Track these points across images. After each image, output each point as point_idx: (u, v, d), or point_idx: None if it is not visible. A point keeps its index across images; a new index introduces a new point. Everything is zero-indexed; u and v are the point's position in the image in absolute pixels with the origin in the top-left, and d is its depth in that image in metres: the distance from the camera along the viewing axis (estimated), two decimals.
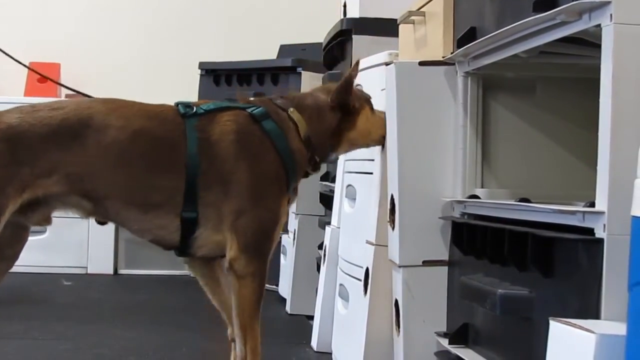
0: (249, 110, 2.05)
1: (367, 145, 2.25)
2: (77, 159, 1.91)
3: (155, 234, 2.01)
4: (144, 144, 1.95)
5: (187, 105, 2.03)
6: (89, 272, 4.56)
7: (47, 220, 2.07)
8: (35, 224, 2.12)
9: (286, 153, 2.03)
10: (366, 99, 2.19)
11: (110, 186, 1.95)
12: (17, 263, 2.23)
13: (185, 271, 4.54)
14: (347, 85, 2.13)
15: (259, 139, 2.02)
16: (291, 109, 2.10)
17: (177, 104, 2.04)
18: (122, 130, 1.94)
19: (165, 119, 1.99)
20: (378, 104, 2.28)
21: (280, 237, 3.99)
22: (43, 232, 4.43)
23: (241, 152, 1.98)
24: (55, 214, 2.06)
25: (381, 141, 2.19)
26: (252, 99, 2.16)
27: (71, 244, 4.50)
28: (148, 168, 1.96)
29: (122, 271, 4.66)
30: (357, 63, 2.18)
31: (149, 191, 1.97)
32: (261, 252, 1.98)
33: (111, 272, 4.61)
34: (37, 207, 1.96)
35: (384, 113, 2.16)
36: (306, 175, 2.16)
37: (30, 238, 2.16)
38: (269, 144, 2.02)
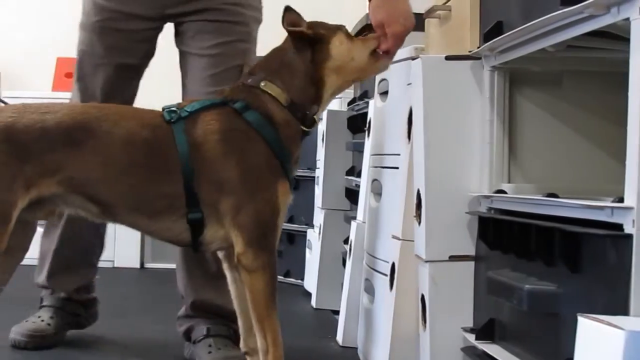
0: (233, 105, 2.00)
1: (360, 75, 2.15)
2: (77, 165, 1.91)
3: (164, 235, 2.02)
4: (138, 153, 1.95)
5: (172, 110, 2.00)
6: (115, 265, 4.59)
7: (52, 213, 2.06)
8: (39, 218, 2.13)
9: (274, 140, 1.98)
10: (335, 28, 2.06)
11: (112, 194, 1.95)
12: None
13: None
14: (287, 19, 2.03)
15: (243, 132, 1.98)
16: (262, 83, 2.02)
17: (163, 109, 2.01)
18: (117, 139, 1.94)
19: (154, 126, 1.97)
20: (404, 98, 2.28)
21: (306, 232, 4.00)
22: None
23: (228, 149, 1.95)
24: None
25: (374, 64, 2.10)
26: (228, 88, 2.08)
27: None
28: (146, 177, 1.95)
29: (148, 265, 4.69)
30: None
31: (150, 199, 1.96)
32: (267, 244, 1.96)
33: (138, 265, 4.64)
34: (42, 206, 1.96)
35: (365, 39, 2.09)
36: (306, 133, 2.06)
37: None
38: (254, 135, 1.98)
